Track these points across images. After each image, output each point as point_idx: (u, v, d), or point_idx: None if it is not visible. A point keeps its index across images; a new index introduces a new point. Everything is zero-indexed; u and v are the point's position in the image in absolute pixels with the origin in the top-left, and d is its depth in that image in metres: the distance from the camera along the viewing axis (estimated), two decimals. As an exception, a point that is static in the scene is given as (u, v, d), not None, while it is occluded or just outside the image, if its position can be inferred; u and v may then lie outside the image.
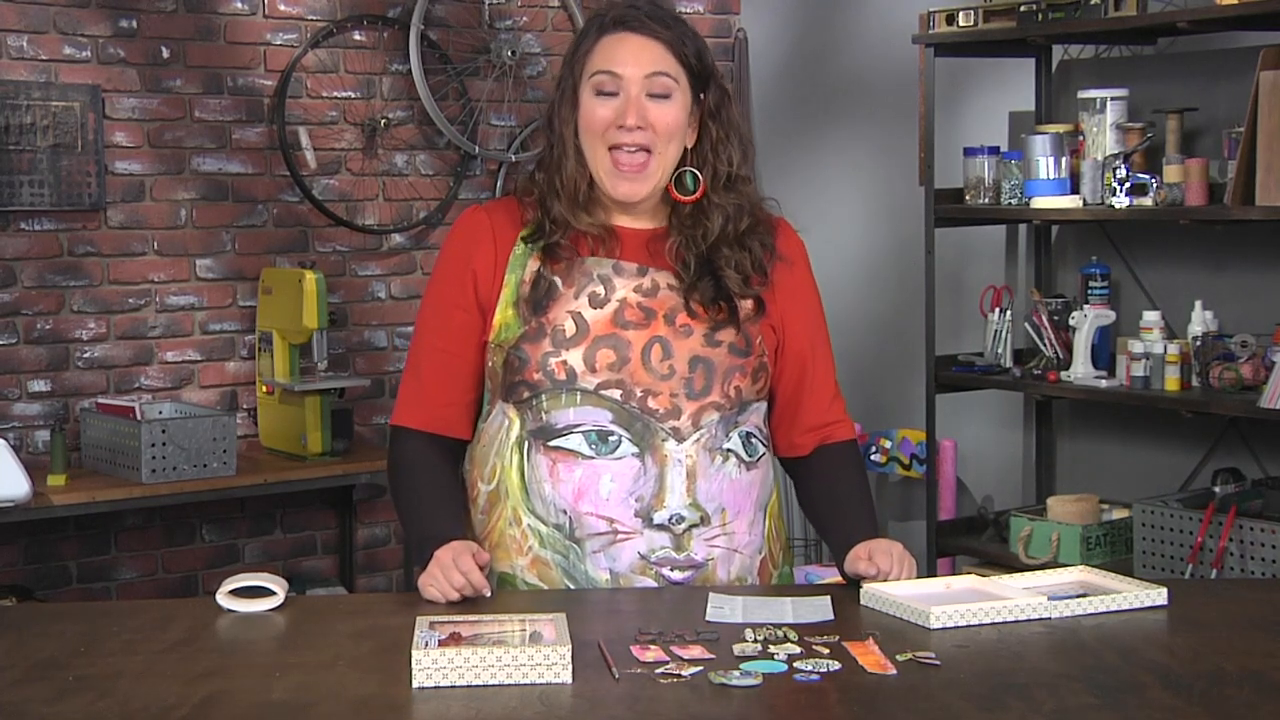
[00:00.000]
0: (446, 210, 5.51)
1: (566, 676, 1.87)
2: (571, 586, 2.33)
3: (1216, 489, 4.21)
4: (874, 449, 5.30)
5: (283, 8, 5.19)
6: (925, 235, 4.78)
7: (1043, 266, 4.90)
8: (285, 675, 1.93)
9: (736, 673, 1.90)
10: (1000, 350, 4.77)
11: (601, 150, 2.35)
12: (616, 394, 2.32)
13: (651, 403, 2.32)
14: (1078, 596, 2.21)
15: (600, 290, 2.36)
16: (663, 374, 2.33)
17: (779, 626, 2.09)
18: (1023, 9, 4.49)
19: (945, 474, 5.09)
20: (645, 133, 2.33)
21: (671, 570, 2.33)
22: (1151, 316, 4.37)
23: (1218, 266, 4.47)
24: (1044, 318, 4.65)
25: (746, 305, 2.40)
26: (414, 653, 1.88)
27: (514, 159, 5.55)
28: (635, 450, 2.32)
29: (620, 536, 2.32)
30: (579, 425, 2.32)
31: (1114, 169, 4.30)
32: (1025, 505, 4.89)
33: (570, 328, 2.33)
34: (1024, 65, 4.88)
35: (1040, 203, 4.52)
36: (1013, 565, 4.40)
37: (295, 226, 5.26)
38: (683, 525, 2.33)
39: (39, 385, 4.83)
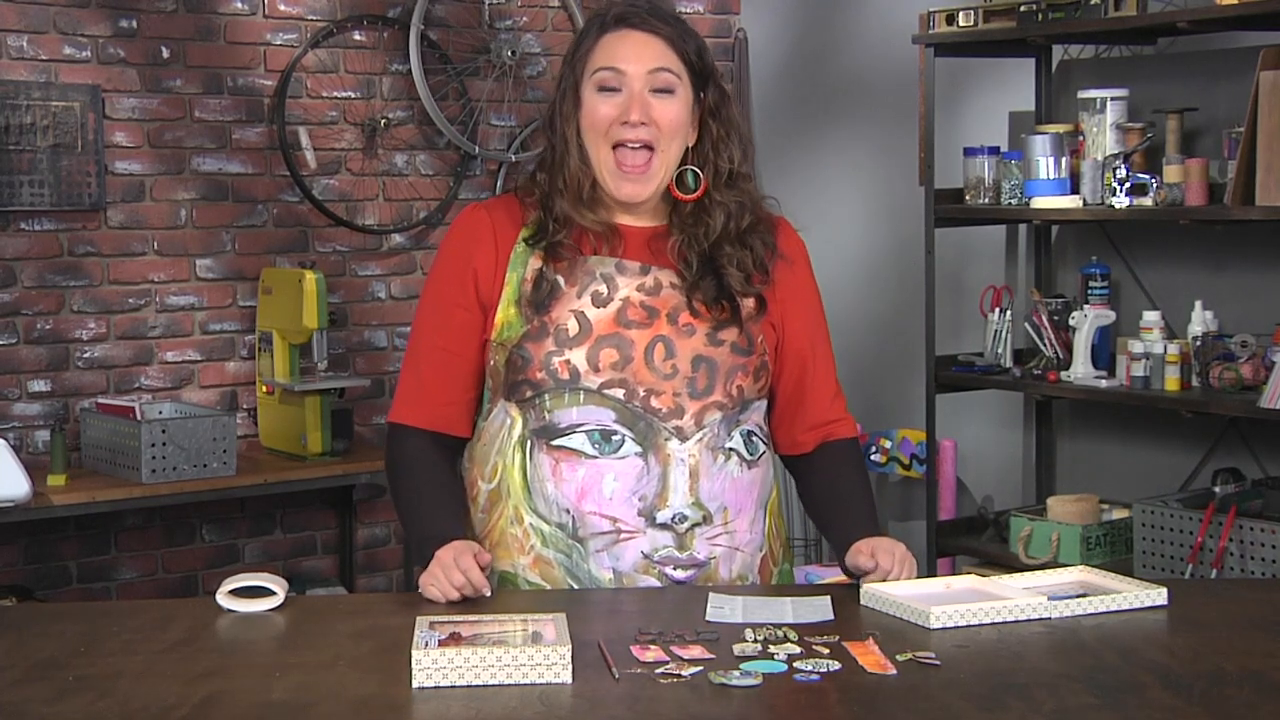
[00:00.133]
0: (446, 210, 5.51)
1: (566, 676, 1.87)
2: (574, 586, 2.33)
3: (1216, 489, 4.21)
4: (874, 449, 5.30)
5: (283, 8, 5.19)
6: (925, 235, 4.78)
7: (1043, 266, 4.90)
8: (285, 675, 1.93)
9: (736, 673, 1.90)
10: (1000, 350, 4.77)
11: (605, 148, 2.35)
12: (620, 393, 2.32)
13: (654, 402, 2.32)
14: (1078, 596, 2.21)
15: (603, 289, 2.36)
16: (666, 373, 2.33)
17: (779, 626, 2.09)
18: (1023, 9, 4.49)
19: (945, 474, 5.08)
20: (649, 129, 2.34)
21: (674, 569, 2.33)
22: (1151, 316, 4.37)
23: (1218, 266, 4.47)
24: (1044, 318, 4.65)
25: (748, 304, 2.40)
26: (414, 653, 1.88)
27: (514, 159, 5.55)
28: (638, 450, 2.32)
29: (623, 536, 2.32)
30: (582, 424, 2.32)
31: (1114, 169, 4.30)
32: (1025, 505, 4.89)
33: (573, 327, 2.33)
34: (1024, 65, 4.88)
35: (1040, 203, 4.52)
36: (1013, 565, 4.40)
37: (295, 226, 5.26)
38: (685, 524, 2.33)
39: (39, 385, 4.83)
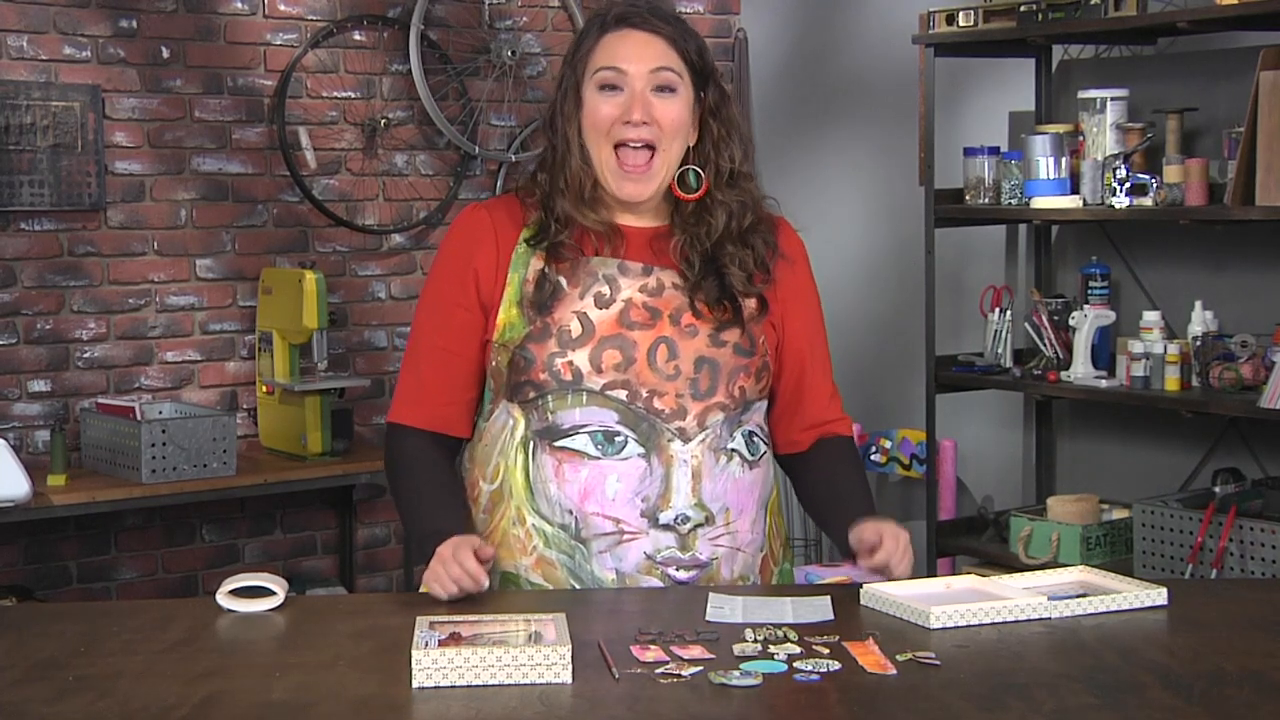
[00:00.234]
0: (446, 210, 5.51)
1: (566, 676, 1.87)
2: (577, 586, 2.33)
3: (1216, 489, 4.21)
4: (874, 449, 5.29)
5: (283, 8, 5.19)
6: (925, 235, 4.78)
7: (1043, 266, 4.90)
8: (285, 675, 1.93)
9: (736, 673, 1.90)
10: (1000, 350, 4.77)
11: (607, 148, 2.35)
12: (622, 394, 2.32)
13: (657, 403, 2.33)
14: (1078, 596, 2.21)
15: (606, 290, 2.36)
16: (668, 374, 2.33)
17: (779, 626, 2.09)
18: (1023, 9, 4.49)
19: (945, 474, 5.08)
20: (650, 128, 2.34)
21: (677, 570, 2.33)
22: (1151, 316, 4.37)
23: (1218, 266, 4.47)
24: (1044, 318, 4.64)
25: (750, 304, 2.40)
26: (414, 653, 1.87)
27: (514, 159, 5.55)
28: (641, 451, 2.32)
29: (626, 537, 2.32)
30: (585, 425, 2.33)
31: (1114, 169, 4.30)
32: (1025, 505, 4.89)
33: (576, 328, 2.33)
34: (1024, 65, 4.88)
35: (1040, 203, 4.52)
36: (1013, 565, 4.39)
37: (295, 226, 5.26)
38: (688, 525, 2.33)
39: (39, 385, 4.83)
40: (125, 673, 1.94)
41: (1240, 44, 4.34)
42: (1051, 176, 4.50)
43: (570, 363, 2.32)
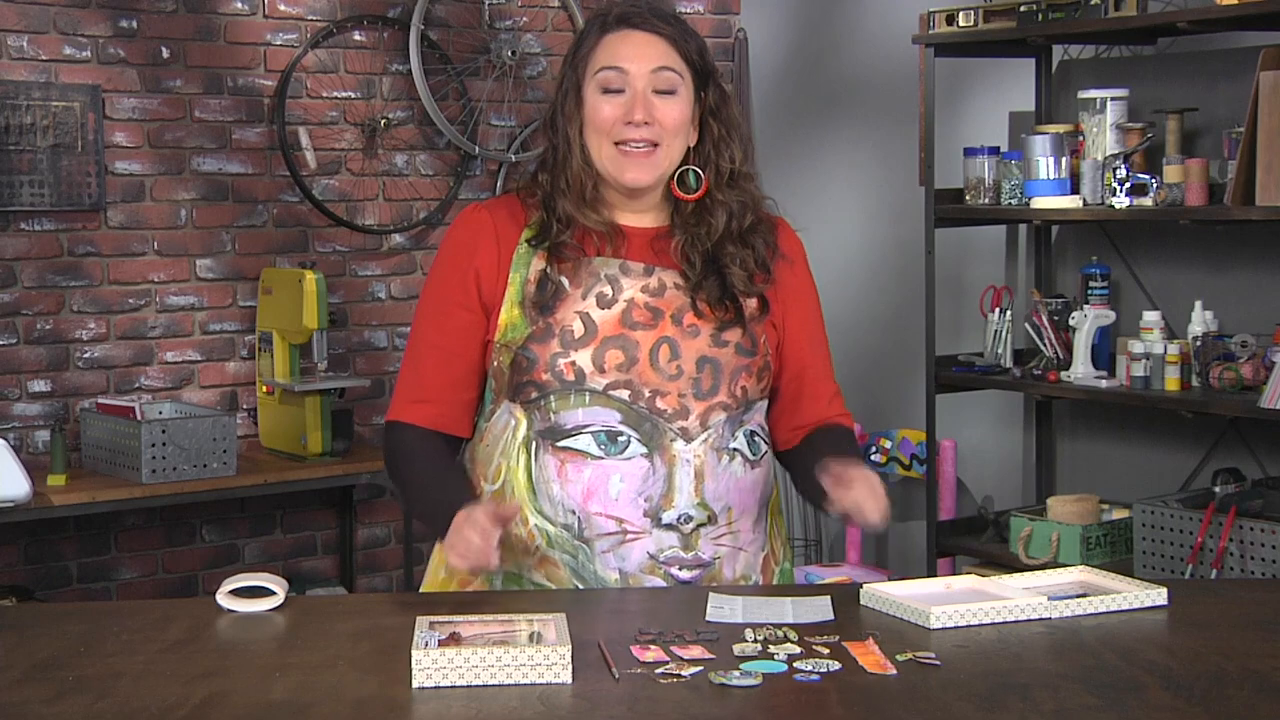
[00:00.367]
0: (446, 210, 5.51)
1: (566, 676, 1.87)
2: (580, 586, 2.33)
3: (1216, 489, 4.21)
4: (874, 449, 5.29)
5: (283, 8, 5.19)
6: (925, 235, 4.78)
7: (1043, 266, 4.90)
8: (285, 675, 1.93)
9: (736, 673, 1.90)
10: (1000, 350, 4.77)
11: (608, 146, 2.35)
12: (625, 394, 2.32)
13: (660, 403, 2.33)
14: (1078, 596, 2.21)
15: (608, 290, 2.36)
16: (671, 374, 2.34)
17: (779, 626, 2.09)
18: (1023, 9, 4.49)
19: (945, 474, 5.09)
20: (652, 128, 2.34)
21: (680, 569, 2.34)
22: (1151, 316, 4.37)
23: (1218, 266, 4.47)
24: (1044, 318, 4.65)
25: (751, 304, 2.40)
26: (414, 653, 1.87)
27: (514, 159, 5.56)
28: (644, 450, 2.32)
29: (629, 536, 2.32)
30: (588, 426, 2.33)
31: (1114, 169, 4.30)
32: (1025, 505, 4.89)
33: (579, 328, 2.33)
34: (1024, 65, 4.88)
35: (1040, 203, 4.52)
36: (1013, 565, 4.40)
37: (295, 226, 5.26)
38: (691, 525, 2.34)
39: (39, 385, 4.83)
40: (125, 673, 1.94)
41: (1240, 44, 4.34)
42: (1051, 176, 4.50)
43: (573, 363, 2.32)
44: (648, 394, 2.33)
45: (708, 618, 2.14)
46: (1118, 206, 4.28)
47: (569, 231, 2.38)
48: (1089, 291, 4.58)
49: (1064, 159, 4.50)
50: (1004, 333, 4.76)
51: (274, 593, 2.23)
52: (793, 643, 2.02)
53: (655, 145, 2.35)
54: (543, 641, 1.96)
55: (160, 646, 2.05)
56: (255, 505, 5.18)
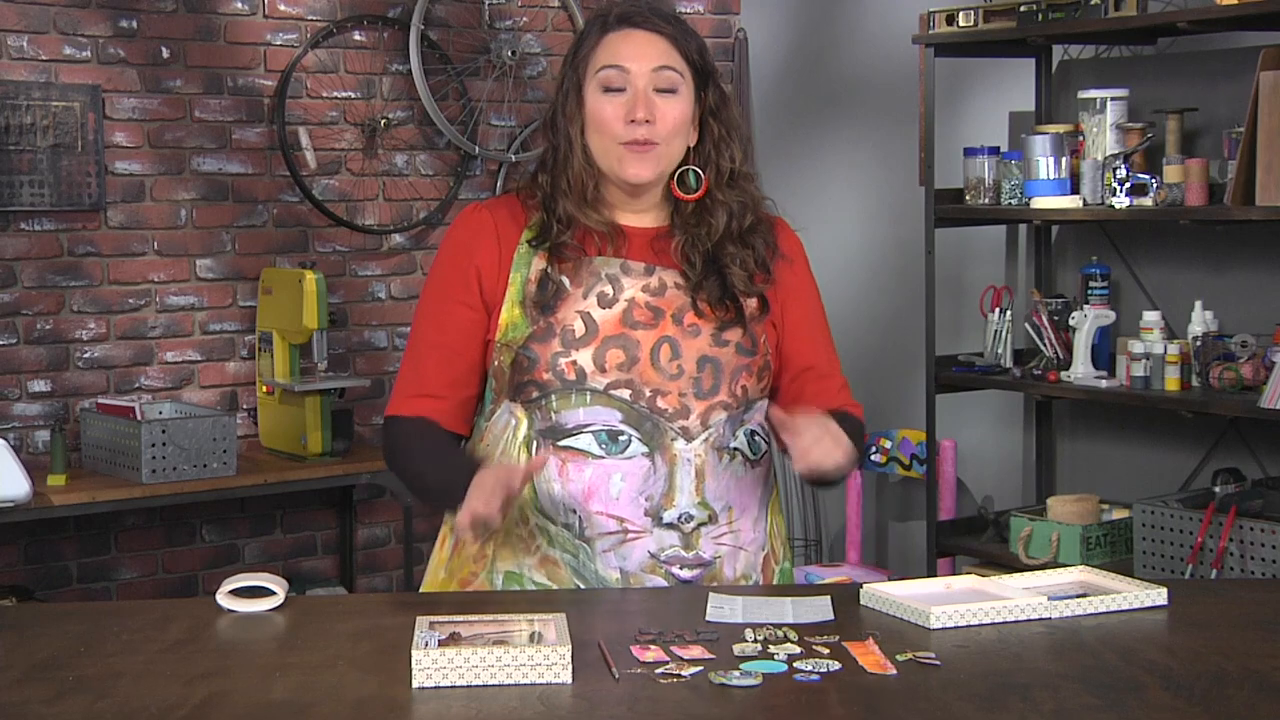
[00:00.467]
0: (446, 210, 5.51)
1: (566, 676, 1.87)
2: (581, 586, 2.33)
3: (1216, 489, 4.21)
4: (874, 449, 5.30)
5: (283, 8, 5.19)
6: (925, 235, 4.78)
7: (1043, 266, 4.90)
8: (285, 675, 1.93)
9: (736, 673, 1.90)
10: (1000, 350, 4.77)
11: (610, 145, 2.35)
12: (626, 394, 2.32)
13: (661, 402, 2.33)
14: (1078, 596, 2.21)
15: (609, 290, 2.36)
16: (671, 374, 2.34)
17: (779, 626, 2.09)
18: (1023, 9, 4.49)
19: (945, 474, 5.09)
20: (653, 127, 2.34)
21: (680, 568, 2.34)
22: (1151, 316, 4.37)
23: (1218, 266, 4.47)
24: (1044, 318, 4.65)
25: (751, 304, 2.41)
26: (414, 653, 1.87)
27: (514, 159, 5.56)
28: (645, 450, 2.33)
29: (630, 536, 2.32)
30: (589, 425, 2.33)
31: (1114, 169, 4.30)
32: (1025, 505, 4.89)
33: (580, 328, 2.34)
34: (1024, 65, 4.88)
35: (1040, 203, 4.52)
36: (1013, 565, 4.40)
37: (295, 226, 5.26)
38: (691, 524, 2.34)
39: (39, 385, 4.83)
40: (125, 673, 1.94)
41: (1240, 44, 4.34)
42: (1051, 176, 4.50)
43: (574, 362, 2.32)
44: (648, 393, 2.33)
45: (708, 618, 2.14)
46: (1118, 206, 4.28)
47: (570, 232, 2.38)
48: (1089, 291, 4.58)
49: (1064, 159, 4.50)
50: (1004, 333, 4.76)
51: (274, 593, 2.23)
52: (793, 643, 2.02)
53: (656, 143, 2.35)
54: (543, 641, 1.96)
55: (160, 646, 2.05)
56: (255, 505, 5.18)
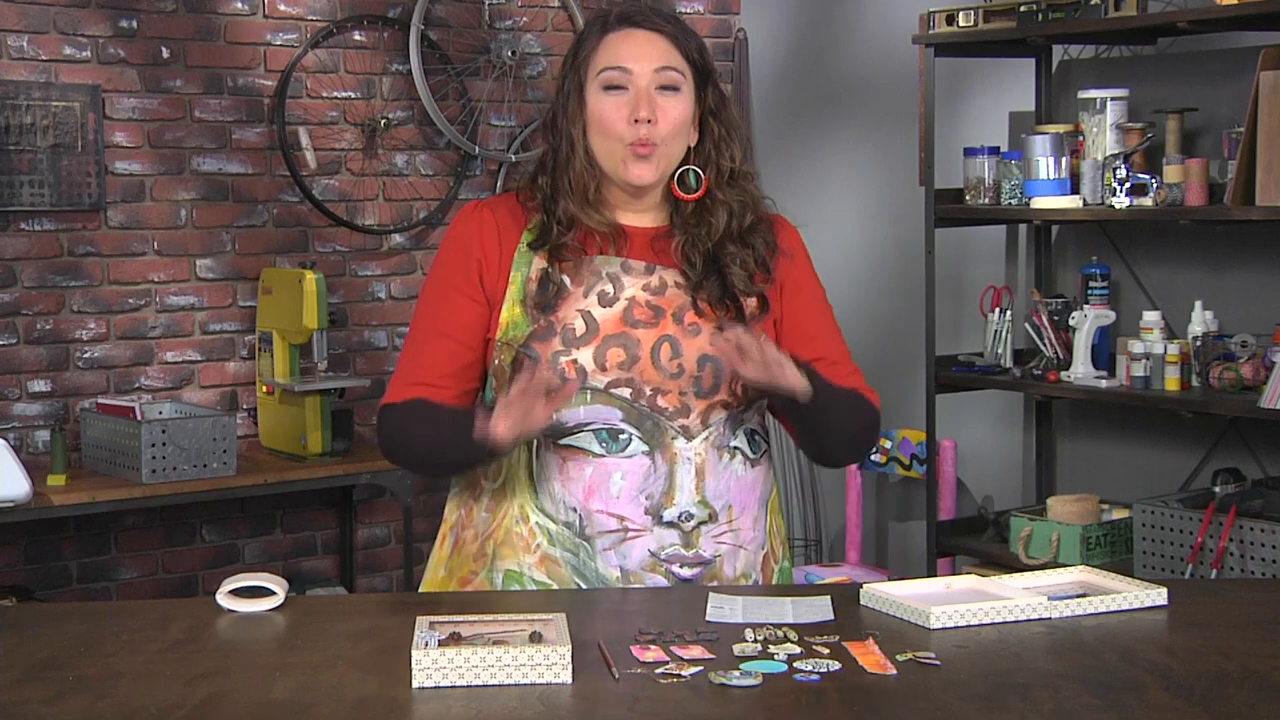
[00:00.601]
0: (446, 210, 5.51)
1: (566, 676, 1.87)
2: (582, 584, 2.34)
3: (1216, 489, 4.21)
4: (874, 449, 5.29)
5: (283, 8, 5.19)
6: (925, 235, 4.78)
7: (1043, 266, 4.90)
8: (285, 675, 1.93)
9: (736, 673, 1.90)
10: (1000, 350, 4.77)
11: (613, 145, 2.35)
12: (626, 392, 2.33)
13: (661, 401, 2.33)
14: (1078, 596, 2.21)
15: (609, 289, 2.36)
16: (672, 372, 2.34)
17: (779, 626, 2.09)
18: (1023, 9, 4.49)
19: (945, 474, 5.09)
20: (655, 126, 2.34)
21: (681, 567, 2.34)
22: (1151, 316, 4.37)
23: (1218, 266, 4.47)
24: (1044, 318, 4.65)
25: (751, 303, 2.41)
26: (414, 653, 1.87)
27: (514, 159, 5.56)
28: (645, 448, 2.33)
29: (630, 534, 2.33)
30: (589, 423, 2.33)
31: (1114, 169, 4.30)
32: (1025, 505, 4.89)
33: (580, 326, 2.34)
34: (1024, 65, 4.88)
35: (1040, 203, 4.52)
36: (1013, 565, 4.40)
37: (295, 226, 5.26)
38: (691, 523, 2.34)
39: (39, 385, 4.83)
40: (125, 673, 1.94)
41: (1240, 44, 4.34)
42: (1051, 176, 4.50)
43: (574, 361, 2.32)
44: (649, 392, 2.33)
45: (708, 618, 2.14)
46: (1118, 206, 4.28)
47: (570, 234, 2.37)
48: (1089, 291, 4.58)
49: (1064, 159, 4.50)
50: (1004, 333, 4.76)
51: (274, 593, 2.23)
52: (793, 643, 2.02)
53: (658, 143, 2.35)
54: (543, 641, 1.96)
55: (160, 646, 2.05)
56: (255, 505, 5.18)
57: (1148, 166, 4.39)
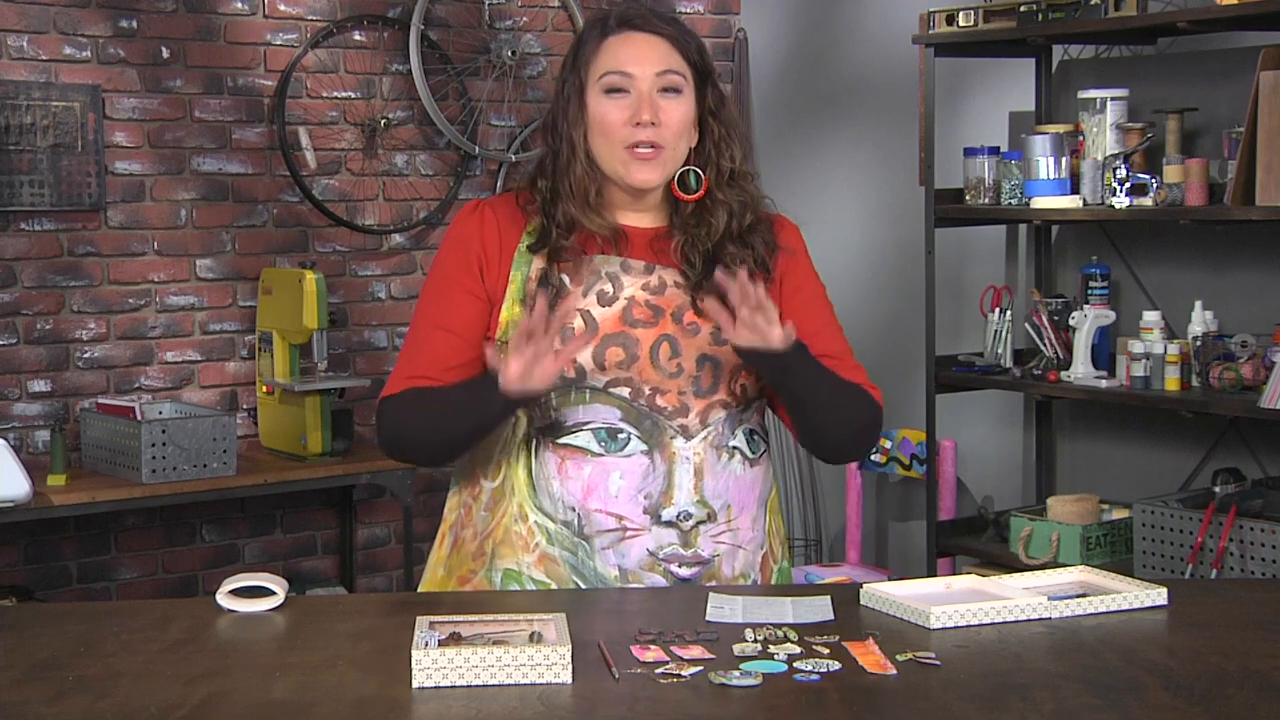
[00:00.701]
0: (446, 210, 5.51)
1: (566, 676, 1.87)
2: (580, 583, 2.34)
3: (1216, 489, 4.21)
4: (874, 449, 5.29)
5: (283, 8, 5.19)
6: (925, 235, 4.78)
7: (1043, 266, 4.90)
8: (285, 675, 1.93)
9: (736, 673, 1.90)
10: (1000, 350, 4.77)
11: (616, 149, 2.35)
12: (625, 392, 2.33)
13: (660, 400, 2.33)
14: (1078, 596, 2.21)
15: (608, 288, 2.36)
16: (671, 372, 2.34)
17: (779, 626, 2.09)
18: (1023, 9, 4.49)
19: (945, 474, 5.09)
20: (659, 129, 2.34)
21: (679, 566, 2.34)
22: (1151, 316, 4.37)
23: (1218, 266, 4.47)
24: (1044, 318, 4.65)
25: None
26: (414, 653, 1.87)
27: (514, 159, 5.56)
28: (644, 448, 2.33)
29: (629, 533, 2.33)
30: (588, 423, 2.33)
31: (1114, 169, 4.30)
32: (1025, 505, 4.89)
33: (579, 325, 2.33)
34: (1024, 65, 4.88)
35: (1040, 203, 4.52)
36: (1013, 565, 4.40)
37: (295, 226, 5.26)
38: (690, 522, 2.34)
39: (39, 385, 4.83)
40: (125, 673, 1.94)
41: (1240, 44, 4.34)
42: (1051, 176, 4.50)
43: (573, 360, 2.32)
44: (648, 391, 2.33)
45: (708, 618, 2.14)
46: (1118, 206, 4.28)
47: (571, 237, 2.37)
48: (1089, 291, 4.58)
49: (1064, 159, 4.50)
50: (1004, 333, 4.76)
51: (274, 593, 2.23)
52: (793, 643, 2.02)
53: (662, 146, 2.35)
54: (543, 641, 1.96)
55: (160, 646, 2.05)
56: (255, 505, 5.18)
57: (1148, 166, 4.39)
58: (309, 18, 5.23)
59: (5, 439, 4.01)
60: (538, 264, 2.38)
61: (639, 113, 2.33)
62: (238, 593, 2.24)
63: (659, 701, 1.81)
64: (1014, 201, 4.63)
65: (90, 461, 4.74)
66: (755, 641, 2.02)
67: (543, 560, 2.35)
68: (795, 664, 1.93)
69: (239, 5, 5.11)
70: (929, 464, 4.91)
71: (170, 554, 5.09)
